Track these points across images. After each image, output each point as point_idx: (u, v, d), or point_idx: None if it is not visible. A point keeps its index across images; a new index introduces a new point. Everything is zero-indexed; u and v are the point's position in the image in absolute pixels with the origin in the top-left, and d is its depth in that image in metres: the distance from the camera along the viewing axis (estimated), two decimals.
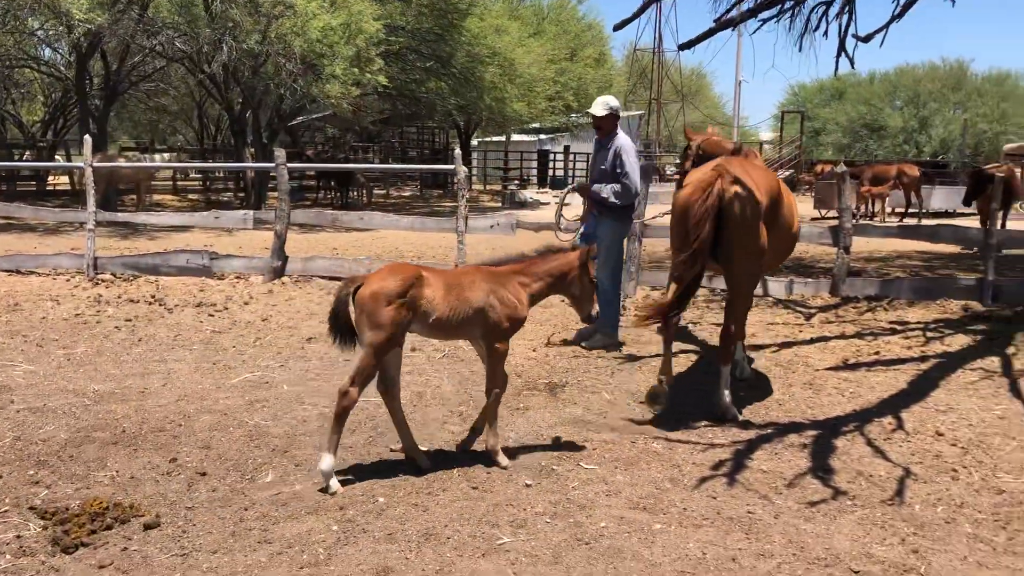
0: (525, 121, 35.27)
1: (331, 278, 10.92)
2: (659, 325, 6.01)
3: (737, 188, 5.71)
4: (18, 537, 3.92)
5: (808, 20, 10.74)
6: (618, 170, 7.53)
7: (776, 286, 10.32)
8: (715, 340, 8.19)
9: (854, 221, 11.95)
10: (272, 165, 11.72)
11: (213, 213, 12.98)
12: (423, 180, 36.03)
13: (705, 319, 9.09)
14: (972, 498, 4.55)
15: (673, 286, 5.87)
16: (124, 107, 31.41)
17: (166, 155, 32.68)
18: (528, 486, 4.58)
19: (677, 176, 8.98)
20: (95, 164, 11.81)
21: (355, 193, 26.98)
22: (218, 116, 36.20)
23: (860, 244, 14.07)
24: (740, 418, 5.79)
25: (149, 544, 3.88)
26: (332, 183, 27.03)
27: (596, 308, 5.09)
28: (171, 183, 31.02)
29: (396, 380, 4.81)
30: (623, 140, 7.62)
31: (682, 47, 11.34)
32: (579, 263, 4.94)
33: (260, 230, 12.79)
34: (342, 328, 4.56)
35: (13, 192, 24.47)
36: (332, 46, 18.90)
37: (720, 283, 9.30)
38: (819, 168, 30.68)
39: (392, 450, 5.09)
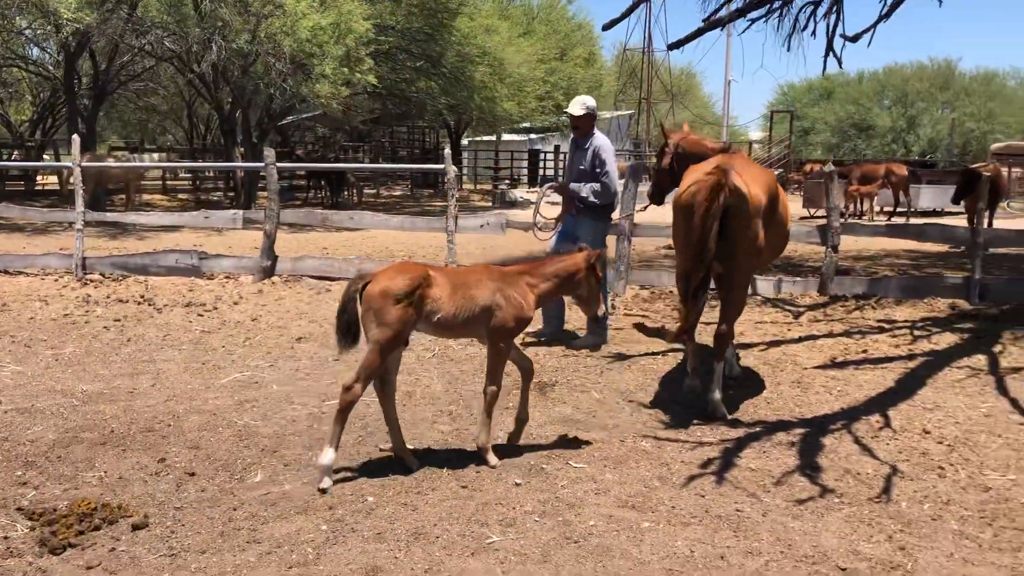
0: (515, 121, 35.31)
1: (321, 278, 10.91)
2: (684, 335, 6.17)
3: (741, 187, 5.78)
4: (5, 538, 3.91)
5: (796, 20, 10.77)
6: (598, 169, 7.53)
7: (765, 285, 10.36)
8: (703, 338, 8.23)
9: (842, 220, 12.00)
10: (261, 165, 11.70)
11: (202, 213, 12.95)
12: (413, 180, 36.00)
13: None
14: (958, 495, 4.58)
15: (681, 296, 6.00)
16: (113, 107, 31.29)
17: (156, 155, 32.62)
18: (518, 485, 4.59)
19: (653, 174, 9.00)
20: (83, 164, 11.76)
21: (346, 193, 26.95)
22: (208, 116, 36.09)
23: (849, 243, 14.14)
24: (729, 417, 5.82)
25: (137, 544, 3.88)
26: (322, 183, 26.98)
27: (603, 308, 5.13)
28: (160, 183, 30.91)
29: (393, 380, 4.84)
30: (601, 140, 7.62)
31: (671, 47, 11.34)
32: (586, 264, 4.98)
33: (250, 230, 12.77)
34: (348, 325, 4.58)
35: (1, 192, 24.31)
36: (322, 46, 18.87)
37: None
38: (808, 167, 30.75)
39: (382, 450, 5.09)
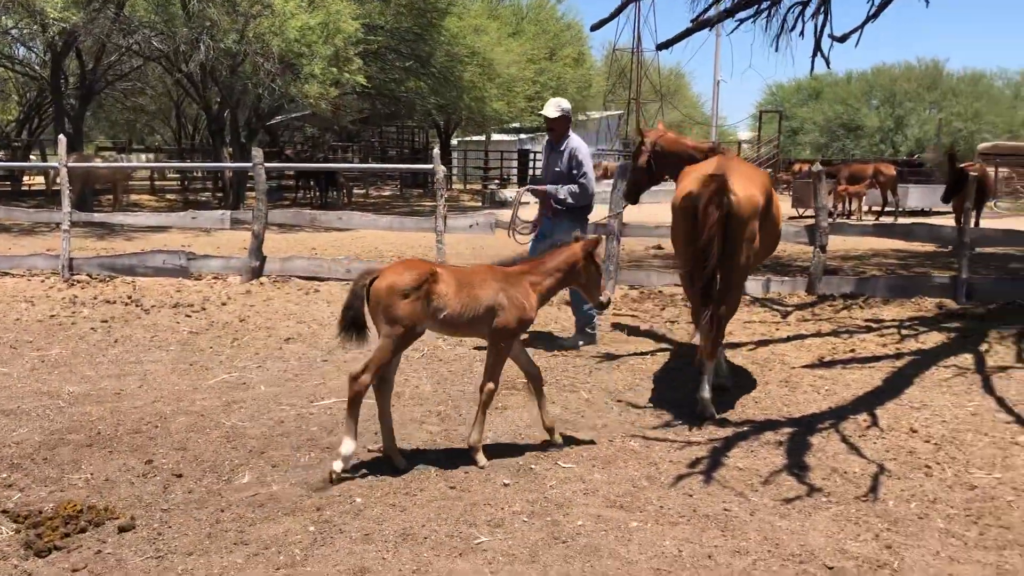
0: (505, 121, 35.30)
1: (309, 278, 10.88)
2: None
3: (741, 188, 5.86)
4: None
5: (784, 20, 10.78)
6: (574, 171, 7.51)
7: (753, 284, 10.38)
8: (691, 338, 8.25)
9: (831, 220, 12.04)
10: (249, 165, 11.66)
11: (190, 213, 12.90)
12: (403, 180, 35.95)
13: (682, 318, 9.13)
14: (945, 494, 4.60)
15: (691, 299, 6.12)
16: (101, 107, 31.11)
17: (144, 156, 32.46)
18: (506, 485, 4.59)
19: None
20: (70, 164, 11.70)
21: (334, 193, 26.88)
22: (196, 116, 35.95)
23: (837, 243, 14.19)
24: (717, 416, 5.83)
25: (124, 547, 3.86)
26: (311, 183, 26.91)
27: (607, 294, 5.18)
28: (148, 183, 30.77)
29: (391, 380, 4.88)
30: (577, 142, 7.62)
31: (660, 47, 11.31)
32: (583, 253, 5.02)
33: (238, 230, 12.74)
34: (352, 321, 4.61)
35: None
36: (310, 45, 18.82)
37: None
38: (797, 167, 30.89)
39: (370, 451, 5.08)
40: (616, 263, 10.32)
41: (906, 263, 14.21)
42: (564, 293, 7.55)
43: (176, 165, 28.87)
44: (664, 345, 8.05)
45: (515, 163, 42.70)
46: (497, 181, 37.78)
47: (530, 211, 8.16)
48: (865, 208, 24.55)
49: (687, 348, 7.93)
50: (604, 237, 7.19)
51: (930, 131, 52.96)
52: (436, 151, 11.49)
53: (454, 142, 43.11)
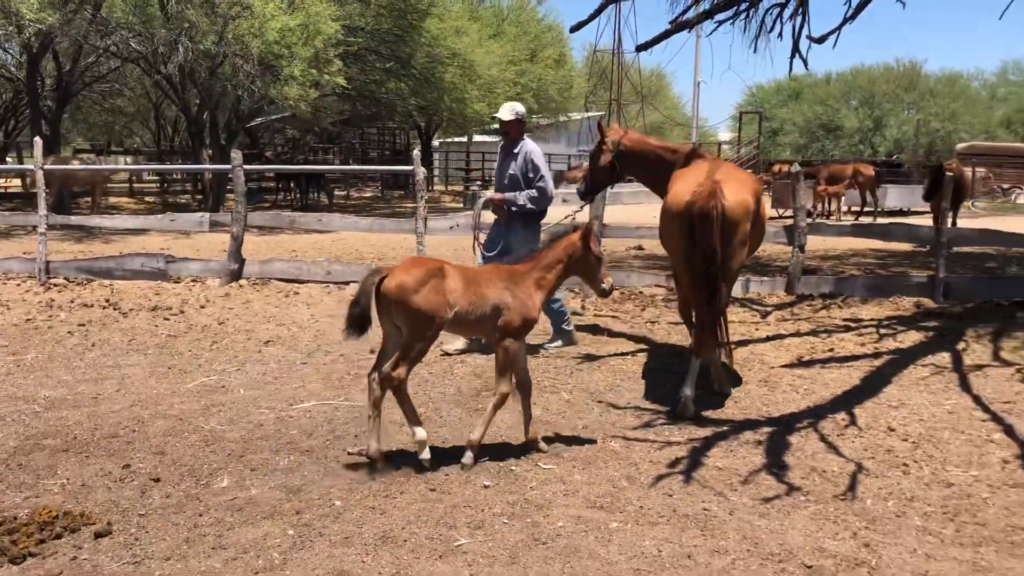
0: (486, 122, 35.24)
1: (289, 281, 10.83)
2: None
3: (735, 193, 5.97)
4: None
5: (763, 22, 10.85)
6: (531, 174, 7.48)
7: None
8: (672, 338, 8.28)
9: (809, 220, 12.11)
10: (229, 167, 11.60)
11: (169, 216, 12.82)
12: (384, 181, 35.85)
13: (663, 318, 9.16)
14: (922, 492, 4.63)
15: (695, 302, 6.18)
16: (78, 108, 30.80)
17: (123, 158, 32.19)
18: (486, 487, 4.59)
19: (581, 176, 9.05)
20: (46, 167, 11.59)
21: (315, 195, 26.77)
22: (175, 117, 35.67)
23: (817, 243, 14.28)
24: (697, 415, 5.85)
25: (100, 553, 3.83)
26: (292, 184, 26.79)
27: (609, 281, 5.21)
28: (127, 185, 30.53)
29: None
30: (531, 145, 7.59)
31: (640, 48, 11.36)
32: (581, 240, 5.06)
33: (217, 232, 12.66)
34: (358, 318, 4.64)
35: None
36: (290, 47, 18.72)
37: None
38: (777, 168, 31.02)
39: (349, 453, 5.06)
40: None
41: (884, 263, 14.31)
42: None
43: (155, 167, 28.65)
44: (645, 345, 8.07)
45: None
46: (479, 182, 37.74)
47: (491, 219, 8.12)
48: (844, 208, 24.73)
49: (667, 348, 7.96)
50: (597, 223, 7.16)
51: (908, 132, 53.44)
52: (416, 152, 11.46)
53: (435, 143, 43.03)
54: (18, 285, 10.70)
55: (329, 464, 4.92)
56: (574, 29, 11.13)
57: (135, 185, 31.07)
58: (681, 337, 8.11)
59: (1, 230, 17.83)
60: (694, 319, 6.26)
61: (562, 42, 41.39)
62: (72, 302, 9.65)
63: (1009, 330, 8.43)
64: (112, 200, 25.55)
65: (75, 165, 20.26)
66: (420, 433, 4.80)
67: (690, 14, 10.75)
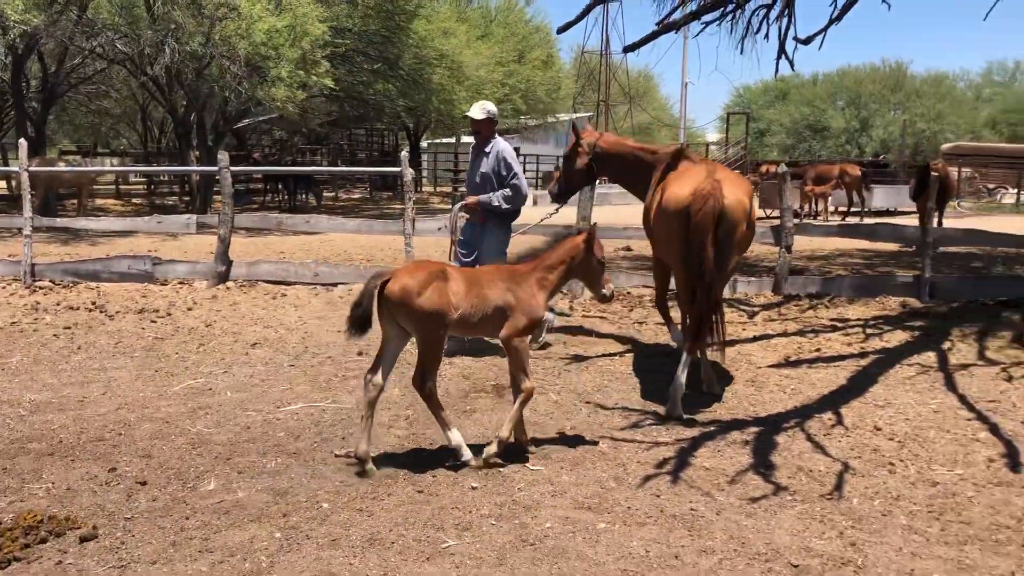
0: None
1: (276, 282, 10.80)
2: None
3: (732, 194, 6.04)
4: None
5: (749, 23, 10.87)
6: (504, 173, 7.48)
7: None
8: (659, 339, 8.30)
9: (796, 220, 12.16)
10: (216, 169, 11.56)
11: (156, 218, 12.75)
12: (372, 182, 35.81)
13: (651, 319, 9.17)
14: (908, 491, 4.66)
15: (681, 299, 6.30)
16: (64, 110, 30.64)
17: (109, 159, 32.01)
18: (474, 488, 4.58)
19: (556, 175, 9.08)
20: (31, 168, 11.53)
21: (303, 196, 26.69)
22: (162, 119, 35.50)
23: (804, 243, 14.34)
24: (684, 416, 5.86)
25: (85, 557, 3.81)
26: (279, 185, 26.71)
27: (610, 286, 5.27)
28: (114, 187, 30.36)
29: (383, 383, 4.88)
30: (503, 145, 7.60)
31: (627, 49, 11.36)
32: (584, 244, 5.11)
33: (205, 234, 12.59)
34: (360, 318, 4.65)
35: None
36: (277, 48, 18.67)
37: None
38: (764, 169, 31.12)
39: (336, 455, 5.06)
40: None
41: (871, 263, 14.37)
42: None
43: (142, 169, 28.50)
44: (632, 346, 8.08)
45: None
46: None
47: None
48: (831, 208, 24.83)
49: (655, 349, 7.98)
50: (595, 226, 7.14)
51: (895, 132, 53.76)
52: (404, 154, 11.44)
53: (424, 144, 42.98)
54: (3, 288, 10.64)
55: (316, 466, 4.91)
56: (562, 30, 11.14)
57: (122, 187, 30.88)
58: (669, 338, 8.12)
59: None
60: (688, 317, 6.29)
61: (550, 43, 41.39)
62: (58, 305, 9.59)
63: (994, 330, 8.48)
64: (98, 202, 25.43)
65: (61, 167, 20.16)
66: (456, 437, 4.88)
67: (677, 15, 10.76)
